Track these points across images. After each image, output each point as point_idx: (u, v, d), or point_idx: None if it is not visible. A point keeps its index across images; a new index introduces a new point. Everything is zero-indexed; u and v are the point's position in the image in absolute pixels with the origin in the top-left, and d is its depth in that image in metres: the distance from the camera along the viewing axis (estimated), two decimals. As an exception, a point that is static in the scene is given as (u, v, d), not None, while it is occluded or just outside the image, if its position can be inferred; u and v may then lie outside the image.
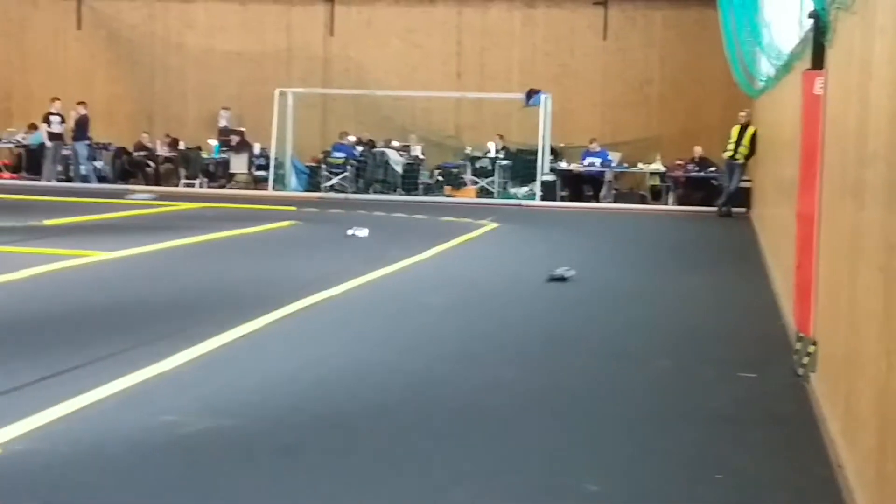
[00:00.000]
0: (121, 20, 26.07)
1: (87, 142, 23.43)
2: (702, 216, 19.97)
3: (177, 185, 23.35)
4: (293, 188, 22.68)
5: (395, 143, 23.47)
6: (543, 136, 22.19)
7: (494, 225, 16.86)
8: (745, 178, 19.86)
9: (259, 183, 23.34)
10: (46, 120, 23.41)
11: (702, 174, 21.64)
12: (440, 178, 23.13)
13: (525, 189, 22.33)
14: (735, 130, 19.70)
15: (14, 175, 24.03)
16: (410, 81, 24.53)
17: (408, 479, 4.95)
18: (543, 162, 22.11)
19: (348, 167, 22.81)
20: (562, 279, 10.92)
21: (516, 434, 5.72)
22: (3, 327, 7.96)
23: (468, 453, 5.33)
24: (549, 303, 9.95)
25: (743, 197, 19.87)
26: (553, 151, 22.91)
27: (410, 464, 5.17)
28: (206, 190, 22.83)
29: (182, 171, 23.86)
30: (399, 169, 22.77)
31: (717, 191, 20.83)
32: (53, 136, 23.38)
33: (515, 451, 5.40)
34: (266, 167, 23.18)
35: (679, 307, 10.03)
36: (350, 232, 14.15)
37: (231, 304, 9.10)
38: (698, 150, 21.77)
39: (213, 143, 24.25)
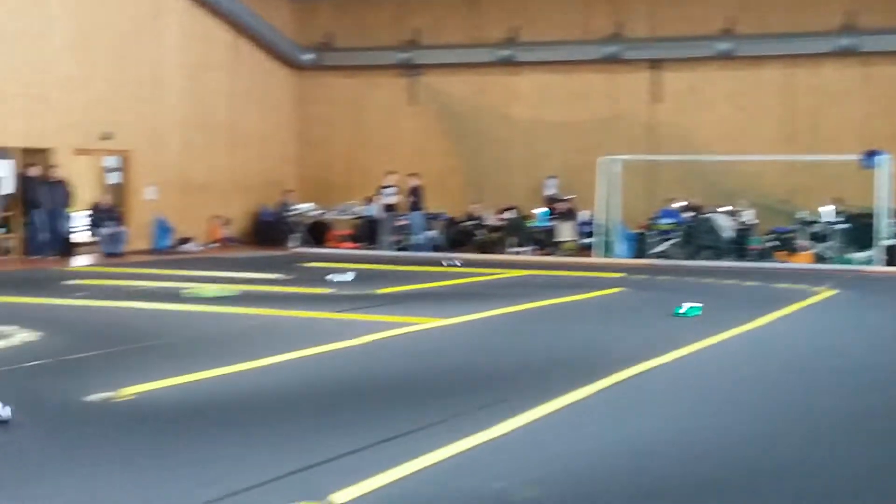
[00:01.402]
0: (451, 94, 27.03)
1: (422, 212, 24.32)
2: None
3: (504, 253, 23.77)
4: (620, 254, 22.59)
5: (724, 208, 22.96)
6: (883, 198, 21.08)
7: (832, 292, 16.08)
8: None
9: (585, 250, 23.40)
10: (381, 192, 24.49)
11: None
12: (772, 243, 22.39)
13: (865, 254, 21.24)
14: None
15: (353, 244, 25.23)
16: (738, 145, 24.04)
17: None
18: (883, 225, 20.98)
19: (676, 233, 22.50)
20: None
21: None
22: (342, 391, 8.27)
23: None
24: None
25: None
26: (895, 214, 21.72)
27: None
28: (533, 257, 23.11)
29: (510, 240, 24.30)
30: (728, 234, 22.24)
31: None
32: (388, 208, 24.41)
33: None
34: (592, 234, 23.23)
35: None
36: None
37: (558, 372, 9.07)
38: None
39: (540, 210, 24.58)
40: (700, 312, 12.64)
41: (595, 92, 25.83)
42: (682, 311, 12.76)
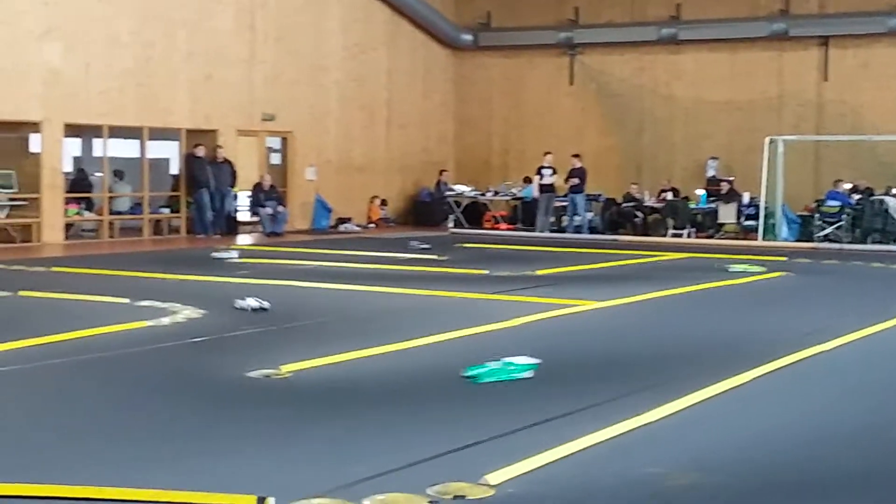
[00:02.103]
0: (610, 74, 26.72)
1: (583, 194, 24.13)
2: None
3: (664, 236, 23.41)
4: (783, 238, 22.00)
5: (895, 191, 22.14)
6: None
7: None
8: None
9: (748, 232, 22.86)
10: (539, 173, 24.40)
11: None
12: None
13: None
14: None
15: (510, 226, 25.20)
16: (911, 125, 23.13)
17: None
18: None
19: (843, 216, 21.79)
20: None
21: None
22: (496, 371, 8.24)
23: None
24: None
25: None
26: None
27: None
28: (693, 240, 22.70)
29: (669, 222, 23.91)
30: (899, 218, 21.44)
31: None
32: (545, 189, 24.29)
33: None
34: (755, 216, 22.67)
35: None
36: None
37: (716, 357, 8.87)
38: None
39: (700, 192, 24.13)
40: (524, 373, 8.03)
41: (760, 70, 25.18)
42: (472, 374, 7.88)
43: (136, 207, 22.13)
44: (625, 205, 24.81)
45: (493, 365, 7.89)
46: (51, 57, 19.49)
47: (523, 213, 25.43)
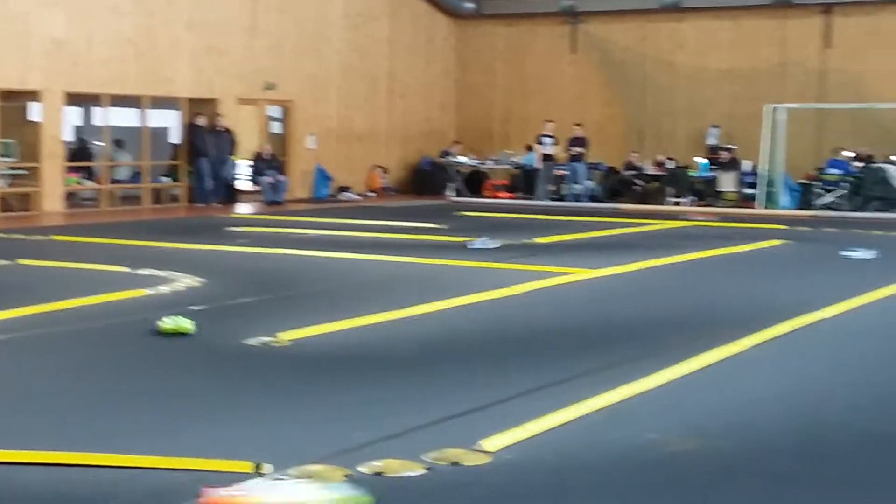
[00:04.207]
0: (613, 42, 26.60)
1: (584, 162, 24.08)
2: None
3: (663, 204, 23.37)
4: (784, 206, 21.96)
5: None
6: None
7: None
8: None
9: (748, 201, 22.82)
10: (539, 141, 24.32)
11: None
12: (947, 194, 21.48)
13: None
14: None
15: (510, 194, 25.17)
16: (914, 92, 23.02)
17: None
18: None
19: (844, 184, 21.74)
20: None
21: None
22: (495, 339, 8.26)
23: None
24: None
25: None
26: None
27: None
28: (693, 208, 22.67)
29: (669, 190, 23.87)
30: (900, 185, 21.41)
31: None
32: (546, 157, 24.23)
33: None
34: (755, 185, 22.63)
35: None
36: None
37: (715, 324, 8.87)
38: None
39: (701, 160, 24.07)
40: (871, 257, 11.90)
41: (763, 38, 25.06)
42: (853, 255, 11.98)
43: (135, 176, 22.10)
44: (625, 173, 24.77)
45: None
46: (52, 26, 19.41)
47: (524, 182, 25.37)
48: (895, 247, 15.34)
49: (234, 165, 22.63)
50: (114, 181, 21.49)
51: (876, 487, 4.86)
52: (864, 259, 13.24)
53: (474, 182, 26.18)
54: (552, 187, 24.39)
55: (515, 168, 25.95)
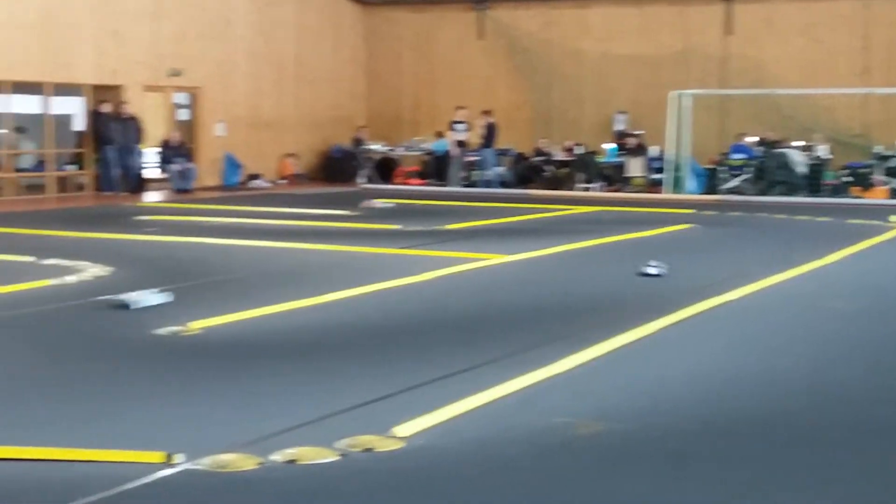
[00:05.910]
0: (519, 28, 26.74)
1: (493, 149, 24.18)
2: None
3: (573, 189, 23.60)
4: (690, 190, 22.33)
5: (798, 143, 22.56)
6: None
7: (906, 227, 15.77)
8: None
9: (656, 186, 23.15)
10: (451, 128, 24.38)
11: None
12: (847, 178, 21.98)
13: (942, 189, 20.78)
14: None
15: (421, 181, 25.20)
16: (812, 79, 23.52)
17: (792, 493, 4.64)
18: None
19: (748, 168, 22.17)
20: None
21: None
22: (406, 326, 8.30)
23: (866, 469, 4.93)
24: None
25: None
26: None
27: (799, 476, 4.85)
28: (602, 193, 22.93)
29: (579, 175, 24.11)
30: (802, 170, 21.86)
31: None
32: (458, 144, 24.31)
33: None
34: (663, 170, 22.96)
35: None
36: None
37: (624, 308, 9.01)
38: None
39: (609, 146, 24.35)
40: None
41: (666, 25, 25.40)
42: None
43: (39, 165, 21.70)
44: (534, 159, 24.94)
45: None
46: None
47: (435, 168, 25.42)
48: (795, 229, 15.68)
49: (141, 153, 22.33)
50: (17, 170, 21.06)
51: (776, 464, 5.00)
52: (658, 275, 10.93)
53: (385, 169, 26.15)
54: (464, 173, 24.48)
55: (426, 155, 25.99)
